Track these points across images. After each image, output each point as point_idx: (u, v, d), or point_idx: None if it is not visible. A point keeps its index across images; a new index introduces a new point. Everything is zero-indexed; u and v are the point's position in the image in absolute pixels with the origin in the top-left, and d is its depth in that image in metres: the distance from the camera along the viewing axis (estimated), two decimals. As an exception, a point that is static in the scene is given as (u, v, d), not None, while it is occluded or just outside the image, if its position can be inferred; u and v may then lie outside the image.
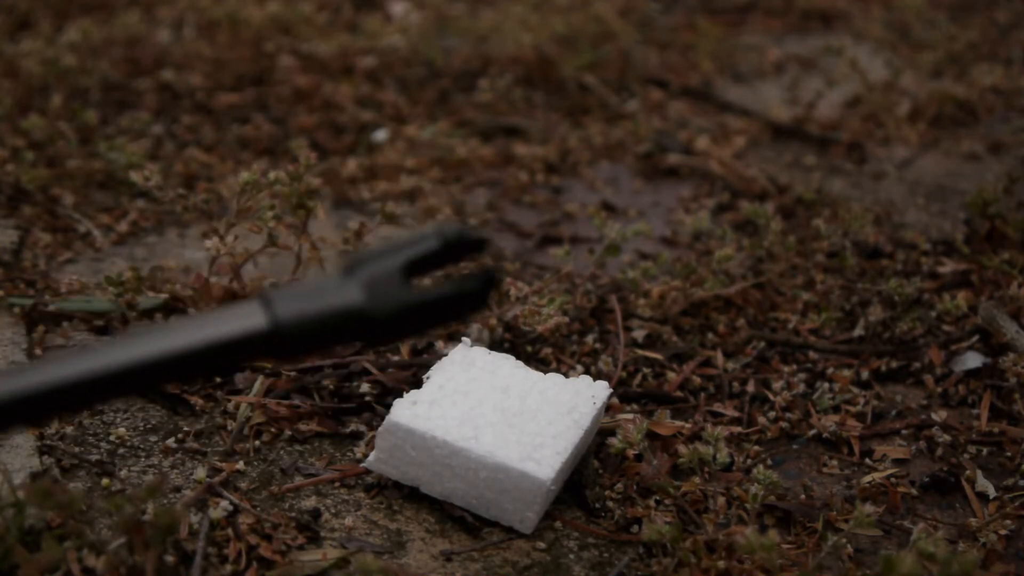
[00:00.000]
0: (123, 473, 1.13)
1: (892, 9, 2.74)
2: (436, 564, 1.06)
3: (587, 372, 1.36)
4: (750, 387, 1.37)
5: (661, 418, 1.28)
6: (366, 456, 1.17)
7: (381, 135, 1.99)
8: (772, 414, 1.33)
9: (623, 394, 1.33)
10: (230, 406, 1.24)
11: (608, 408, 1.26)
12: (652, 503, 1.16)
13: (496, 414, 1.12)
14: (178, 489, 1.12)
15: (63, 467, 1.13)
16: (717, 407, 1.33)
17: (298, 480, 1.15)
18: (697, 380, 1.37)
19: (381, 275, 0.73)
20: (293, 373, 1.30)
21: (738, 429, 1.30)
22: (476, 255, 0.77)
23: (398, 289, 0.73)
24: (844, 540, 1.11)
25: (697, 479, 1.17)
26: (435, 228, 0.75)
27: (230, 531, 1.06)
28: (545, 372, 1.21)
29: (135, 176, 1.44)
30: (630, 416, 1.26)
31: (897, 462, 1.27)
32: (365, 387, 1.29)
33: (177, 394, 1.25)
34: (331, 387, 1.29)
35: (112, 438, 1.18)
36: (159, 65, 2.14)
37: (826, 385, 1.38)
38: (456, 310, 0.75)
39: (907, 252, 1.69)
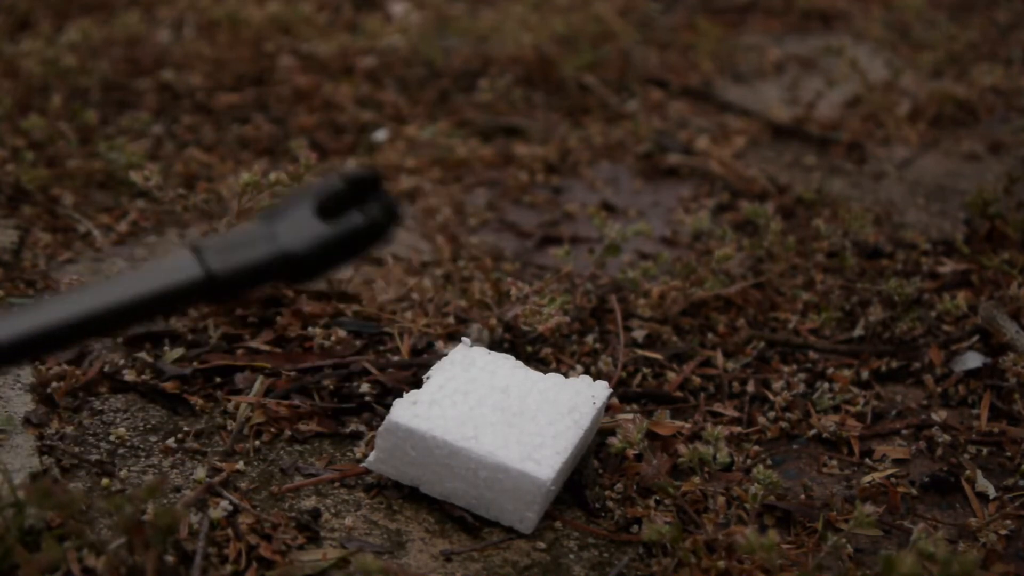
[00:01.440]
0: (123, 473, 1.13)
1: (892, 9, 2.74)
2: (436, 564, 1.06)
3: (587, 372, 1.36)
4: (750, 387, 1.37)
5: (661, 418, 1.28)
6: (366, 456, 1.17)
7: (381, 135, 1.99)
8: (772, 414, 1.33)
9: (623, 394, 1.33)
10: (230, 406, 1.24)
11: (608, 408, 1.26)
12: (652, 503, 1.16)
13: (496, 414, 1.12)
14: (178, 489, 1.12)
15: (63, 467, 1.13)
16: (717, 407, 1.33)
17: (298, 480, 1.15)
18: (697, 380, 1.37)
19: (297, 217, 0.81)
20: (293, 373, 1.30)
21: (738, 429, 1.30)
22: (376, 190, 0.84)
23: (314, 227, 0.80)
24: (844, 540, 1.11)
25: (697, 479, 1.17)
26: (343, 170, 0.80)
27: (230, 531, 1.06)
28: (545, 372, 1.21)
29: (135, 176, 1.44)
30: (630, 416, 1.26)
31: (897, 462, 1.27)
32: (365, 387, 1.29)
33: (177, 394, 1.25)
34: (331, 387, 1.29)
35: (112, 438, 1.18)
36: (159, 65, 2.14)
37: (826, 385, 1.38)
38: (367, 239, 0.82)
39: (907, 252, 1.69)
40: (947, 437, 1.30)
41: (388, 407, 1.13)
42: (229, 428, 1.22)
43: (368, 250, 0.86)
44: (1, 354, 0.77)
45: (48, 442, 1.16)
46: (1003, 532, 1.15)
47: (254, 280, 0.81)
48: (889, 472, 1.24)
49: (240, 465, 1.16)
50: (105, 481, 1.11)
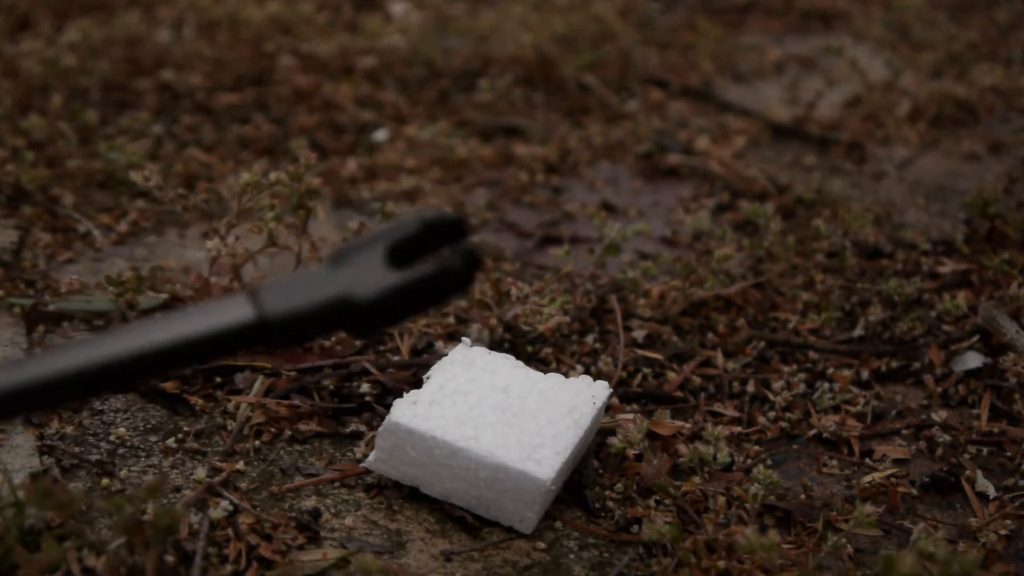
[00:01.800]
0: (123, 473, 1.13)
1: (892, 9, 2.74)
2: (436, 564, 1.06)
3: (587, 372, 1.36)
4: (750, 387, 1.37)
5: (661, 418, 1.28)
6: (366, 456, 1.17)
7: (381, 135, 1.99)
8: (772, 414, 1.33)
9: (623, 394, 1.33)
10: (230, 406, 1.24)
11: (608, 408, 1.26)
12: (652, 503, 1.16)
13: (496, 414, 1.12)
14: (178, 489, 1.12)
15: (63, 467, 1.13)
16: (717, 407, 1.33)
17: (298, 480, 1.15)
18: (697, 380, 1.37)
19: (365, 262, 0.74)
20: (293, 373, 1.30)
21: (738, 429, 1.30)
22: (458, 237, 0.76)
23: (382, 274, 0.73)
24: (844, 540, 1.11)
25: (697, 479, 1.17)
26: (414, 212, 0.75)
27: (230, 531, 1.06)
28: (545, 372, 1.21)
29: (135, 176, 1.44)
30: (630, 416, 1.26)
31: (897, 462, 1.27)
32: (365, 387, 1.29)
33: (177, 394, 1.25)
34: (331, 387, 1.29)
35: (112, 438, 1.18)
36: (159, 65, 2.14)
37: (826, 385, 1.38)
38: (441, 289, 0.75)
39: (907, 252, 1.69)
40: (947, 437, 1.30)
41: (388, 407, 1.13)
42: (229, 428, 1.22)
43: (442, 301, 0.79)
44: (49, 394, 0.73)
45: (48, 442, 1.16)
46: (1003, 532, 1.15)
47: (312, 327, 0.75)
48: (889, 472, 1.24)
49: (240, 465, 1.16)
50: (105, 481, 1.11)
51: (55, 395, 0.74)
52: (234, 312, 0.73)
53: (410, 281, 0.73)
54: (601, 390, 1.18)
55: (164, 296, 1.40)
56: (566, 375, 1.32)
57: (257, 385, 1.27)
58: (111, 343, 0.74)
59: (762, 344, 1.45)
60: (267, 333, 0.73)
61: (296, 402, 1.25)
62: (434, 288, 0.75)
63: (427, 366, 1.25)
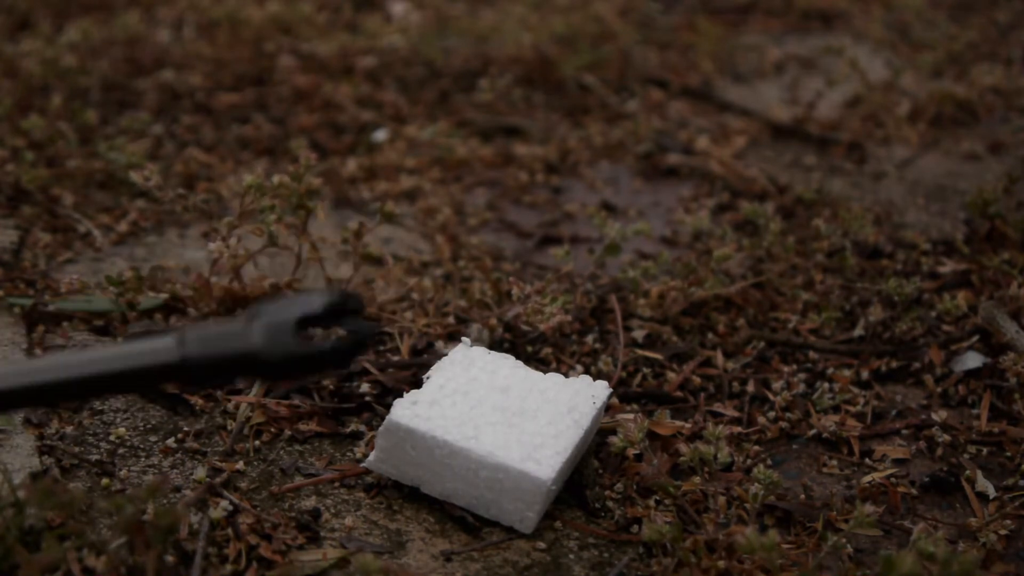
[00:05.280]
0: (123, 473, 1.13)
1: (892, 9, 2.74)
2: (436, 564, 1.06)
3: (587, 372, 1.36)
4: (750, 387, 1.37)
5: (661, 418, 1.28)
6: (366, 456, 1.17)
7: (381, 135, 1.99)
8: (772, 414, 1.33)
9: (623, 394, 1.33)
10: (230, 406, 1.24)
11: (608, 408, 1.26)
12: (652, 503, 1.16)
13: (496, 414, 1.12)
14: (178, 489, 1.12)
15: (63, 467, 1.13)
16: (717, 407, 1.33)
17: (298, 480, 1.15)
18: (697, 380, 1.37)
19: (276, 326, 0.91)
20: (293, 373, 1.30)
21: (738, 429, 1.30)
22: (355, 314, 0.94)
23: (289, 339, 0.91)
24: (844, 540, 1.11)
25: (697, 479, 1.17)
26: (323, 292, 0.94)
27: (230, 531, 1.06)
28: (545, 372, 1.21)
29: (135, 176, 1.44)
30: (630, 416, 1.26)
31: (897, 462, 1.27)
32: (365, 387, 1.29)
33: (177, 394, 1.25)
34: (331, 387, 1.29)
35: (112, 438, 1.18)
36: (159, 65, 2.14)
37: (826, 385, 1.38)
38: (332, 362, 0.93)
39: (907, 252, 1.69)
40: (947, 437, 1.30)
41: (388, 407, 1.13)
42: (229, 428, 1.22)
43: (332, 370, 1.02)
44: None
45: (48, 442, 1.16)
46: (1003, 532, 1.15)
47: (225, 373, 0.91)
48: (889, 472, 1.24)
49: (240, 465, 1.16)
50: (105, 481, 1.11)
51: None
52: (164, 353, 0.89)
53: (308, 351, 0.91)
54: (601, 390, 1.18)
55: (164, 296, 1.40)
56: (566, 375, 1.32)
57: (257, 385, 1.26)
58: (57, 366, 0.89)
59: (762, 344, 1.45)
60: (187, 372, 0.89)
61: (296, 402, 1.25)
62: (326, 360, 0.92)
63: (427, 366, 1.25)
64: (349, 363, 0.99)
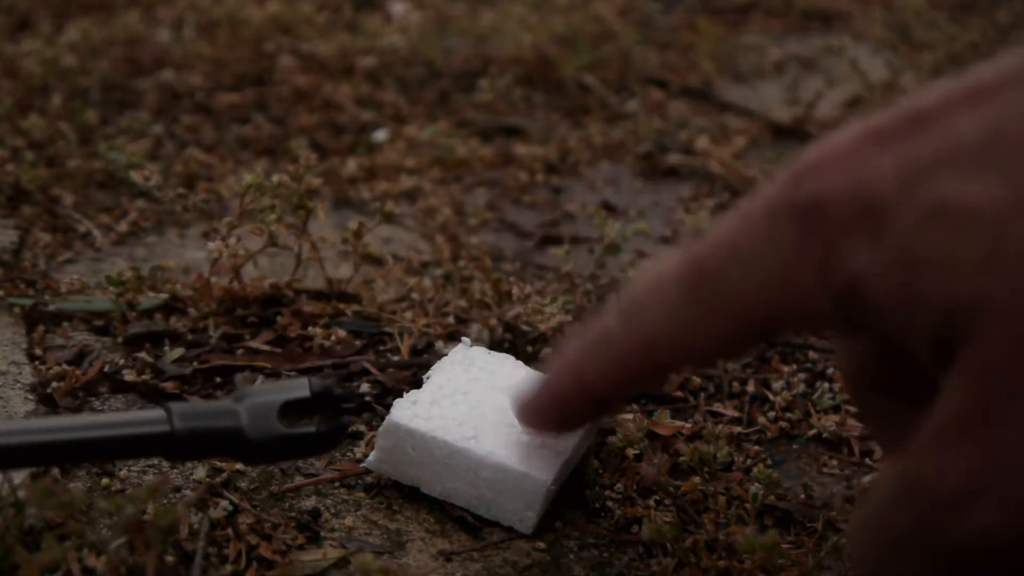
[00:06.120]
0: (123, 473, 1.13)
1: (892, 9, 2.74)
2: (436, 564, 1.06)
3: (587, 372, 1.36)
4: (750, 387, 1.37)
5: (661, 418, 1.28)
6: (366, 456, 1.17)
7: (381, 135, 1.99)
8: (772, 414, 1.33)
9: (623, 394, 1.32)
10: (230, 406, 1.24)
11: (608, 408, 1.26)
12: (652, 503, 1.16)
13: (496, 414, 1.12)
14: (178, 489, 1.12)
15: (63, 467, 1.13)
16: (717, 407, 1.33)
17: (298, 480, 1.15)
18: (697, 380, 1.37)
19: (261, 409, 0.94)
20: (293, 373, 1.30)
21: (738, 429, 1.30)
22: (341, 402, 0.97)
23: (272, 423, 0.94)
24: (844, 540, 1.11)
25: (697, 479, 1.17)
26: (310, 379, 0.97)
27: (230, 531, 1.06)
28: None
29: (135, 176, 1.44)
30: (630, 416, 1.26)
31: (897, 462, 1.27)
32: (365, 387, 1.29)
33: (177, 394, 1.25)
34: (331, 387, 1.29)
35: (112, 438, 1.18)
36: (159, 65, 2.14)
37: (826, 385, 1.38)
38: (312, 447, 0.97)
39: (907, 252, 1.68)
40: (947, 437, 1.30)
41: (388, 407, 1.13)
42: (229, 428, 1.22)
43: (312, 455, 1.08)
44: None
45: (48, 442, 1.16)
46: (1003, 532, 1.15)
47: (208, 448, 0.94)
48: (889, 472, 1.24)
49: (240, 465, 1.16)
50: (105, 481, 1.11)
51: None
52: (153, 425, 0.92)
53: (291, 435, 0.95)
54: (601, 390, 1.18)
55: (164, 296, 1.40)
56: (566, 375, 1.32)
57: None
58: (49, 429, 0.91)
59: (762, 344, 1.45)
60: (171, 446, 0.92)
61: (296, 402, 1.25)
62: (306, 445, 0.96)
63: (427, 366, 1.25)
64: (333, 447, 1.02)
